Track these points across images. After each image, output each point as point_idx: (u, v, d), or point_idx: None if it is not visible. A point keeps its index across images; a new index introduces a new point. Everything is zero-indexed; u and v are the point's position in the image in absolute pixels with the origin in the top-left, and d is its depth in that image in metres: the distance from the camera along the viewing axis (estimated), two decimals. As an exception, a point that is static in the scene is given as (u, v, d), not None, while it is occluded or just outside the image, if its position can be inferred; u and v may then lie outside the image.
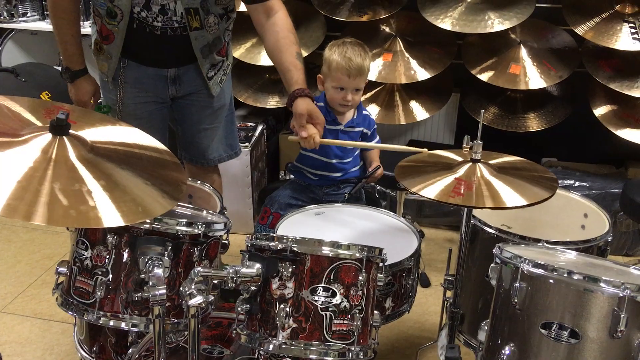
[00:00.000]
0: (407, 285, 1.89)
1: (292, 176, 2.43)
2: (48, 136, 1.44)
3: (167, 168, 1.56)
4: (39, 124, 1.53)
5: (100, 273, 1.54)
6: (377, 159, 2.41)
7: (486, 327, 1.57)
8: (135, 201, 1.39)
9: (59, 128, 1.45)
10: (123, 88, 2.26)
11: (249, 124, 3.49)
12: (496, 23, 3.16)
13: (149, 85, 2.28)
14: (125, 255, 1.54)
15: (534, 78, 3.20)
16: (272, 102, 3.54)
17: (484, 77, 3.26)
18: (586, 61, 3.21)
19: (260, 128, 3.46)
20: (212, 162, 2.54)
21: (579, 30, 3.12)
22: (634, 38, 3.02)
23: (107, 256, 1.54)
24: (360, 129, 2.36)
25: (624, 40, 3.05)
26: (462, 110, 3.61)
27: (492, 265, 1.55)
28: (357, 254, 1.47)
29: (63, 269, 1.62)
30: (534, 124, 3.36)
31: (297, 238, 1.47)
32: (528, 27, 3.29)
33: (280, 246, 1.47)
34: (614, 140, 3.21)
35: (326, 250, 1.47)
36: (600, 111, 3.24)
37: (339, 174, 2.36)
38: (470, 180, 1.69)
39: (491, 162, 1.78)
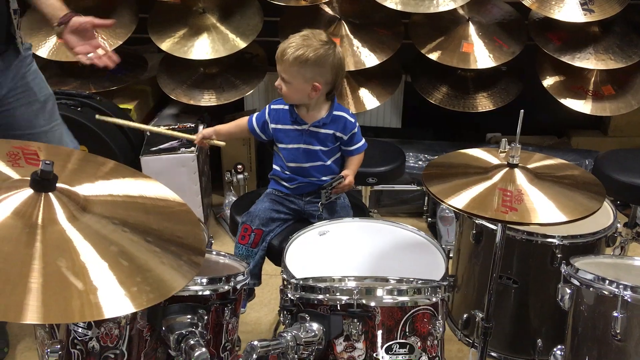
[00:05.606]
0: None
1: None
2: (28, 192, 1.12)
3: (180, 223, 1.26)
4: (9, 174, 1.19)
5: (113, 356, 1.23)
6: (352, 167, 2.13)
7: (559, 353, 1.41)
8: (144, 275, 1.07)
9: (45, 183, 1.12)
10: None
11: (189, 125, 3.12)
12: (441, 2, 3.01)
13: None
14: (144, 330, 1.23)
15: (486, 56, 3.09)
16: (207, 99, 3.21)
17: (434, 56, 3.12)
18: (534, 34, 3.15)
19: (201, 128, 3.10)
20: None
21: (526, 1, 3.04)
22: (584, 9, 2.98)
23: (119, 334, 1.23)
24: (331, 131, 2.07)
25: (567, 10, 2.99)
26: (408, 91, 3.46)
27: (561, 285, 1.39)
28: (433, 298, 1.26)
29: (55, 354, 1.29)
30: (486, 103, 3.27)
31: (365, 288, 1.23)
32: (473, 2, 3.17)
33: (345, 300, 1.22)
34: (555, 110, 3.23)
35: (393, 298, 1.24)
36: (548, 82, 3.23)
37: (313, 179, 2.11)
38: (511, 190, 1.51)
39: (529, 166, 1.61)
